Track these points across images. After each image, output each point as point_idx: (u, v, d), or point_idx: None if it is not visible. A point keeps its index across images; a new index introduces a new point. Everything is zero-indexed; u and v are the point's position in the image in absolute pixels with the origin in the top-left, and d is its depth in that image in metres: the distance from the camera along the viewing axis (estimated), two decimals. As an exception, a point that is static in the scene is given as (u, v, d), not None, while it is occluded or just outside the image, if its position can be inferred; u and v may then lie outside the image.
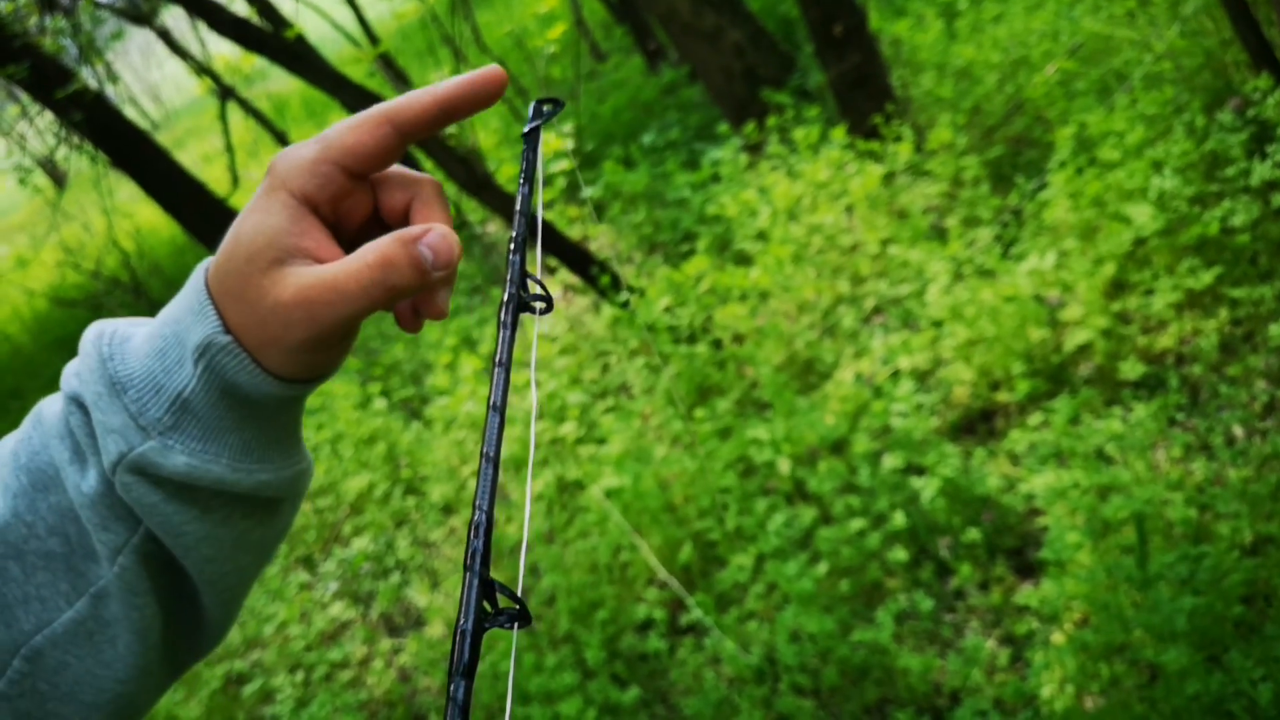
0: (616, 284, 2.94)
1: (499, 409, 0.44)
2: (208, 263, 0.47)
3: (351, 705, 2.18)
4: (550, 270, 3.78)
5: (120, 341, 0.47)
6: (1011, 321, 2.32)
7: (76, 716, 0.48)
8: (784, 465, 2.21)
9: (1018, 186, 2.74)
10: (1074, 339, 2.24)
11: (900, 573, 2.04)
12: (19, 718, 0.46)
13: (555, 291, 3.58)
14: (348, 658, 2.39)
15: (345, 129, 0.46)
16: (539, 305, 0.48)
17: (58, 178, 7.03)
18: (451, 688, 0.40)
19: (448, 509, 2.77)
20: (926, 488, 2.06)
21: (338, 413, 3.09)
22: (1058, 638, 1.79)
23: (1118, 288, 2.39)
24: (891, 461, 2.15)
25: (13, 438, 0.49)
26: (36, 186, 4.90)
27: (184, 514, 0.46)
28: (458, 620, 0.40)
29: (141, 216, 6.76)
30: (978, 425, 2.37)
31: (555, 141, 3.38)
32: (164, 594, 0.49)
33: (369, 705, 2.25)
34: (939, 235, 2.86)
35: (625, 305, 2.87)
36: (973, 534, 1.99)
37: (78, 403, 0.46)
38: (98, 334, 0.48)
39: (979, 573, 1.98)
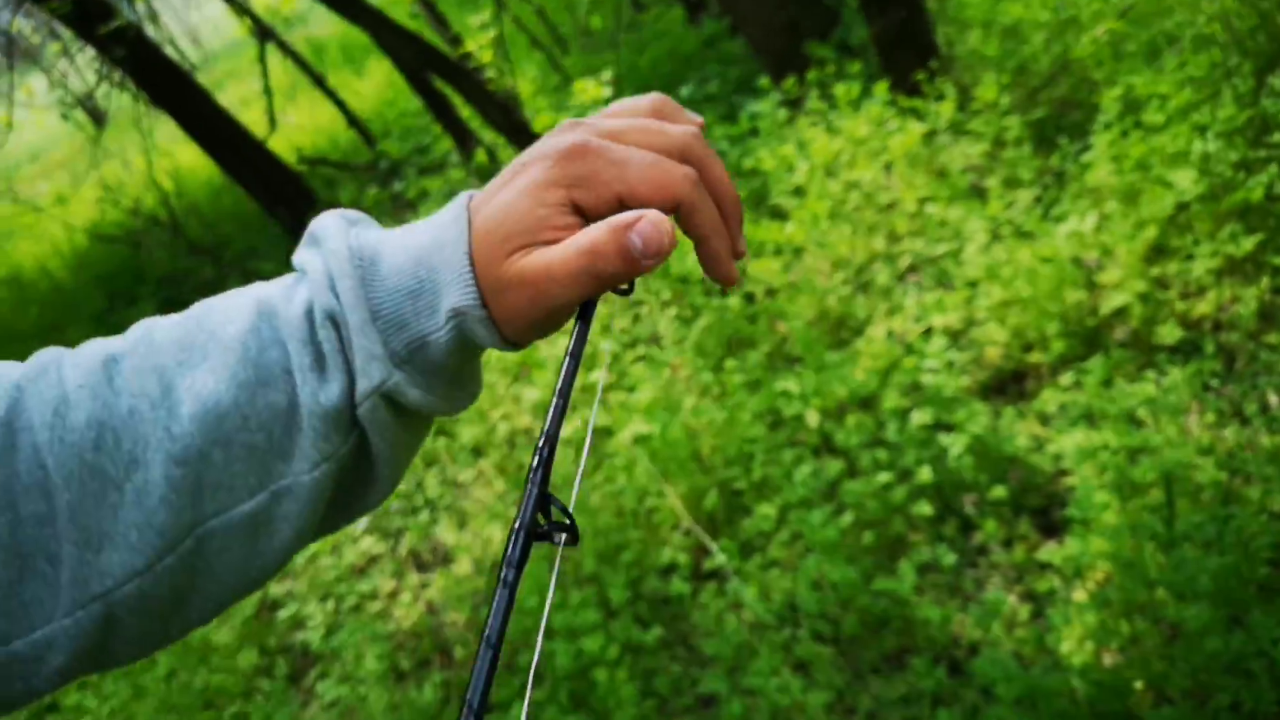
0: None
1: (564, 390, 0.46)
2: (472, 203, 0.50)
3: (380, 635, 2.24)
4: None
5: (371, 263, 0.49)
6: (1048, 283, 2.30)
7: (216, 593, 0.50)
8: (812, 418, 2.23)
9: (1060, 148, 2.71)
10: (1111, 302, 2.23)
11: (924, 527, 2.06)
12: (173, 591, 0.48)
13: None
14: (376, 590, 2.46)
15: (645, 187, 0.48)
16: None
17: (97, 116, 7.09)
18: (504, 573, 0.43)
19: (477, 451, 2.81)
20: (954, 444, 2.07)
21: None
22: (1080, 595, 1.80)
23: (1157, 252, 2.36)
24: (920, 417, 2.16)
25: (226, 320, 0.50)
26: (78, 121, 4.95)
27: (404, 433, 0.51)
28: (514, 521, 0.43)
29: (180, 157, 6.81)
30: (1009, 386, 2.37)
31: (594, 89, 3.37)
32: (344, 491, 0.53)
33: (396, 636, 2.31)
34: (978, 195, 2.84)
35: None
36: (999, 492, 2.00)
37: (333, 320, 0.49)
38: (350, 249, 0.50)
39: (1003, 530, 2.00)
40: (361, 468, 0.52)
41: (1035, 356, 2.31)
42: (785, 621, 1.99)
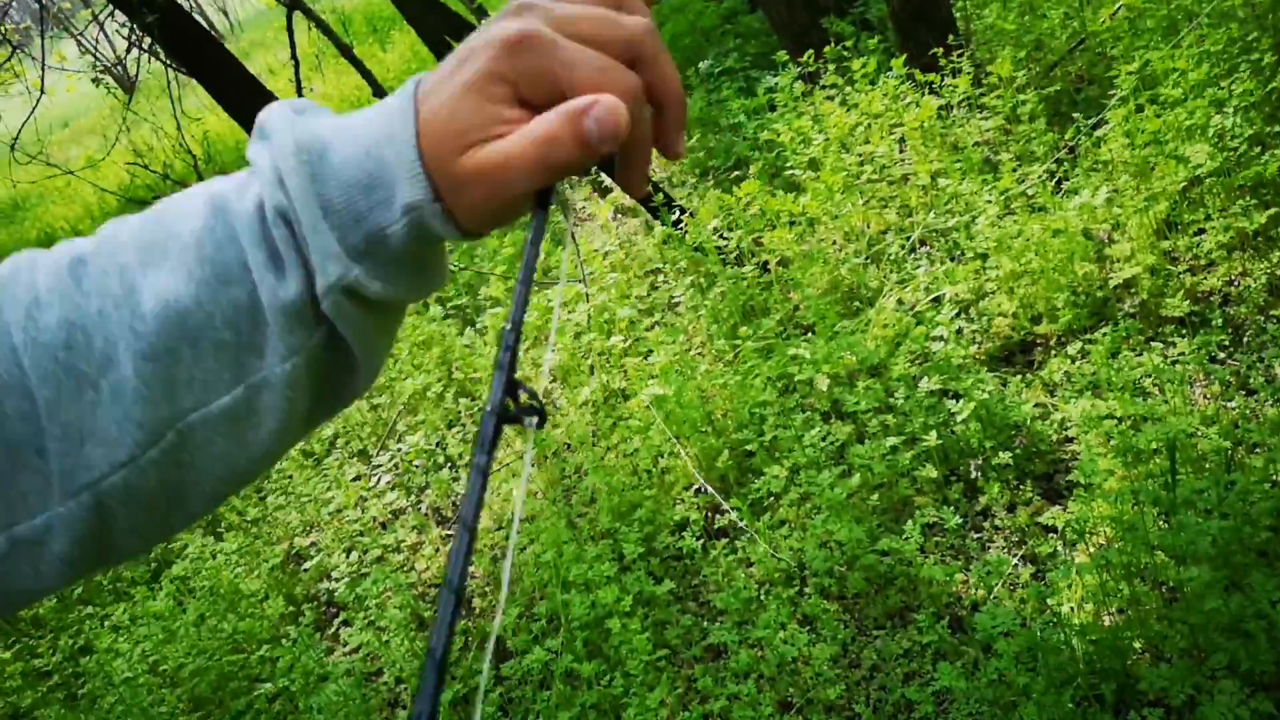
0: (669, 203, 2.99)
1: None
2: (420, 91, 0.49)
3: (402, 585, 2.33)
4: (604, 191, 3.83)
5: (320, 156, 0.49)
6: (1058, 256, 2.34)
7: (209, 485, 0.53)
8: (822, 382, 2.28)
9: (1075, 123, 2.73)
10: (1120, 274, 2.26)
11: (930, 490, 2.12)
12: (162, 483, 0.50)
13: (606, 213, 3.63)
14: (399, 543, 2.54)
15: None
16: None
17: (127, 83, 7.15)
18: (476, 458, 0.44)
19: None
20: (961, 410, 2.12)
21: (394, 318, 3.21)
22: (1081, 558, 1.85)
23: (1169, 226, 2.39)
24: (928, 384, 2.21)
25: (183, 217, 0.51)
26: (109, 86, 5.02)
27: (374, 320, 0.52)
28: (485, 406, 0.44)
29: (209, 123, 6.89)
30: (1016, 357, 2.42)
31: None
32: (322, 382, 0.54)
33: (418, 585, 2.39)
34: (991, 169, 2.87)
35: (677, 224, 2.92)
36: (1003, 457, 2.06)
37: (284, 217, 0.49)
38: (297, 142, 0.49)
39: (1007, 495, 2.05)
40: (338, 356, 0.53)
41: (1043, 327, 2.35)
42: (793, 578, 2.06)
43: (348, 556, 2.54)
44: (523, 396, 0.44)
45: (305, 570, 2.60)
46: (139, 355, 0.48)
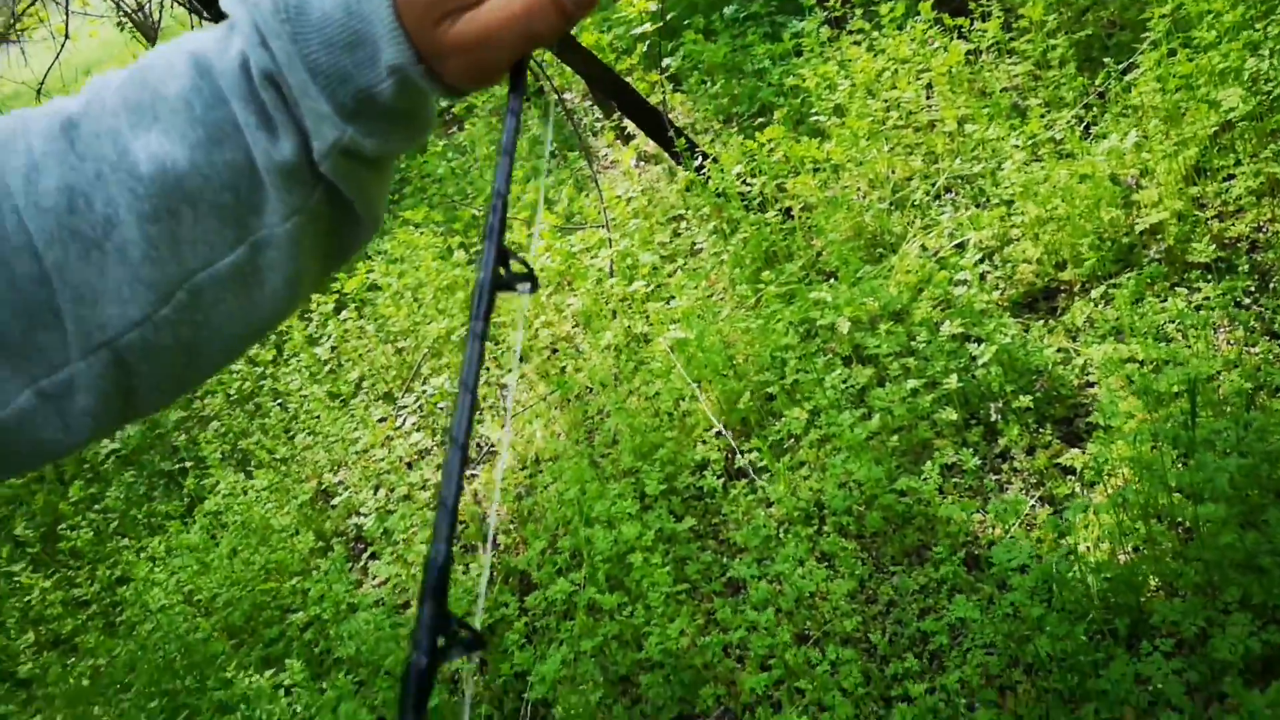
0: (692, 149, 2.98)
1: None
2: None
3: (429, 520, 2.38)
4: (626, 138, 3.82)
5: (299, 12, 0.49)
6: (1084, 201, 2.33)
7: (222, 342, 0.54)
8: (843, 325, 2.30)
9: (1106, 68, 2.70)
10: (1146, 220, 2.25)
11: (949, 434, 2.14)
12: (177, 340, 0.52)
13: (629, 160, 3.63)
14: (425, 481, 2.59)
15: None
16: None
17: (150, 28, 7.14)
18: (474, 326, 0.45)
19: (521, 358, 2.92)
20: (983, 354, 2.13)
21: (420, 263, 3.23)
22: (1099, 499, 1.87)
23: (1198, 172, 2.37)
24: (950, 328, 2.22)
25: (167, 77, 0.51)
26: (134, 31, 5.03)
27: (371, 174, 0.54)
28: (478, 278, 0.45)
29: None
30: (1040, 303, 2.42)
31: (641, 2, 3.38)
32: (327, 237, 0.55)
33: (444, 524, 2.45)
34: (1019, 115, 2.84)
35: (700, 170, 2.92)
36: (1024, 401, 2.07)
37: (271, 79, 0.50)
38: (274, 0, 0.49)
39: (1026, 437, 2.07)
40: (338, 211, 0.54)
41: (1068, 274, 2.35)
42: (811, 518, 2.09)
43: (375, 494, 2.60)
44: (514, 265, 0.45)
45: (334, 507, 2.66)
46: (141, 217, 0.49)
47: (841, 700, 1.63)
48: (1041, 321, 2.31)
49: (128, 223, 0.49)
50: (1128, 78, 2.58)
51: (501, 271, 0.45)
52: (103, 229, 0.49)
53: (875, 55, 3.11)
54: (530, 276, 0.46)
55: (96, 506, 3.06)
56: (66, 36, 4.56)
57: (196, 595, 2.41)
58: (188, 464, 3.18)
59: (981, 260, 2.42)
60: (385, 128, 0.51)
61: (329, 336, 3.41)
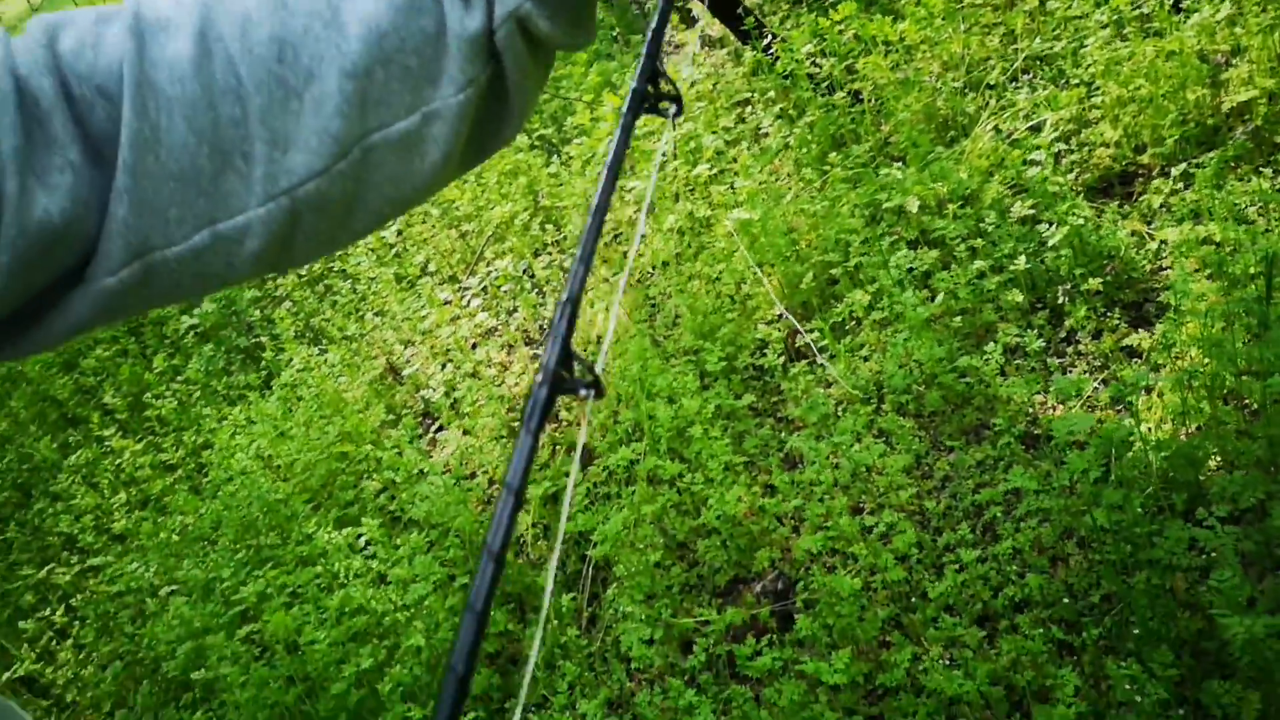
0: (760, 29, 2.91)
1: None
2: None
3: (494, 396, 2.46)
4: (690, 20, 3.74)
5: None
6: (1170, 82, 2.24)
7: (378, 204, 0.58)
8: (912, 204, 2.27)
9: (1203, -61, 2.55)
10: (1234, 99, 2.16)
11: (1014, 317, 2.12)
12: (343, 195, 0.56)
13: (692, 43, 3.55)
14: (490, 359, 2.66)
15: None
16: (669, 106, 0.47)
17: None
18: (526, 424, 0.42)
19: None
20: (1053, 236, 2.10)
21: (483, 145, 3.25)
22: (1164, 382, 1.86)
23: (1294, 51, 2.26)
24: (1020, 209, 2.18)
25: None
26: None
27: (534, 63, 0.58)
28: (535, 376, 0.46)
29: None
30: (1115, 188, 2.35)
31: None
32: (483, 120, 0.60)
33: (508, 400, 2.52)
34: (1106, -9, 2.71)
35: (768, 50, 2.86)
36: (1093, 284, 2.04)
37: None
38: None
39: (1093, 321, 2.05)
40: (497, 99, 0.59)
41: (1146, 157, 2.28)
42: (870, 398, 2.11)
43: (443, 369, 2.68)
44: (577, 369, 0.43)
45: (401, 382, 2.76)
46: (343, 72, 0.53)
47: (894, 564, 1.67)
48: (1117, 204, 2.25)
49: (328, 76, 0.53)
50: (1225, -51, 2.44)
51: (564, 375, 0.42)
52: (304, 80, 0.53)
53: (955, -71, 2.98)
54: (595, 383, 0.43)
55: (179, 378, 3.20)
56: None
57: (275, 461, 2.53)
58: (263, 340, 3.30)
59: (1057, 140, 2.35)
60: (557, 11, 0.56)
61: (395, 221, 3.47)
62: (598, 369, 0.42)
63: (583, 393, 0.42)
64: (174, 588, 2.31)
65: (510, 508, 0.38)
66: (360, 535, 2.06)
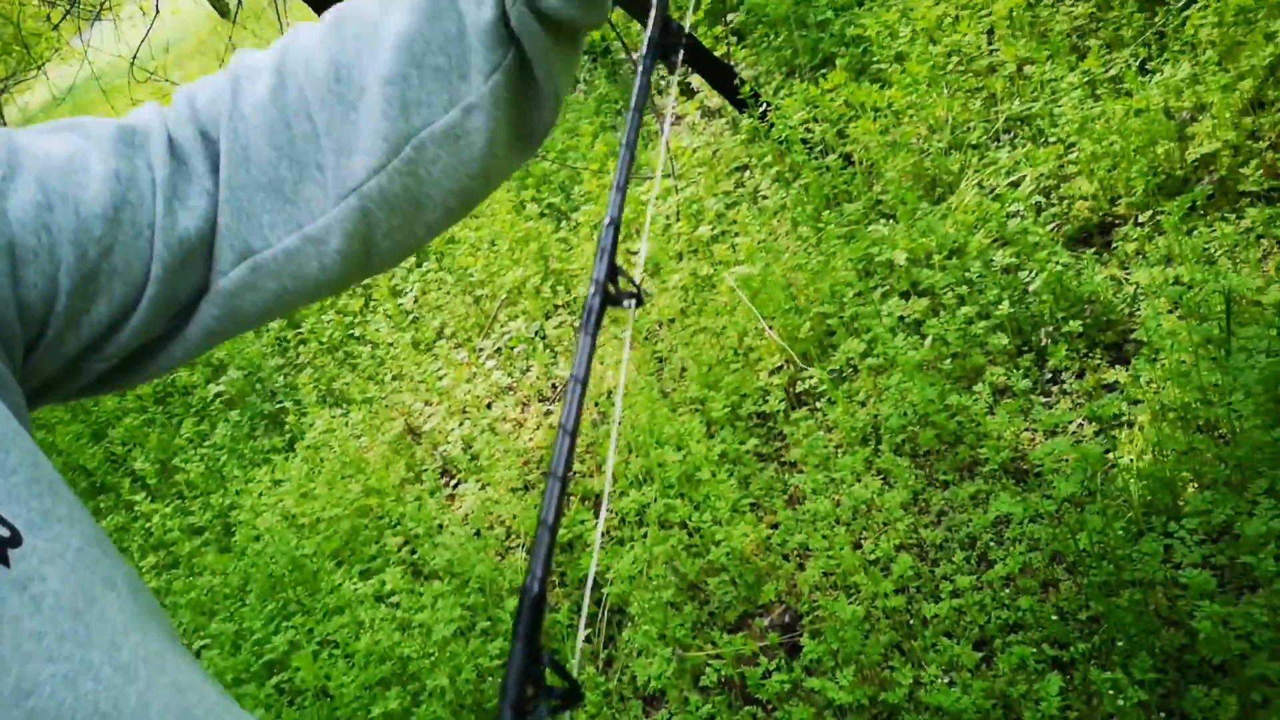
0: (756, 98, 3.09)
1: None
2: None
3: (510, 450, 2.57)
4: (690, 92, 3.94)
5: None
6: (1140, 137, 2.39)
7: (441, 196, 0.65)
8: (900, 258, 2.40)
9: (1167, 4, 2.73)
10: (1199, 150, 2.31)
11: (1001, 359, 2.24)
12: (405, 189, 0.63)
13: (693, 114, 3.74)
14: (505, 415, 2.78)
15: None
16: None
17: (223, 7, 7.42)
18: (584, 326, 0.46)
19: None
20: (1035, 280, 2.22)
21: (496, 215, 3.41)
22: (1143, 417, 1.97)
23: (1254, 106, 2.41)
24: (1003, 258, 2.31)
25: None
26: (214, 3, 5.28)
27: (552, 41, 0.63)
28: (590, 286, 0.48)
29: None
30: (1095, 237, 2.49)
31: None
32: (517, 105, 0.65)
33: (524, 453, 2.64)
34: (1078, 55, 2.89)
35: (763, 117, 3.03)
36: (1074, 325, 2.16)
37: None
38: None
39: (1076, 362, 2.16)
40: (526, 82, 0.64)
41: (1121, 207, 2.41)
42: (868, 439, 2.22)
43: (460, 426, 2.80)
44: (622, 281, 0.48)
45: (419, 441, 2.87)
46: (381, 80, 0.61)
47: (894, 595, 1.76)
48: (1094, 252, 2.39)
49: (372, 87, 0.61)
50: (1185, 13, 2.61)
51: (611, 288, 0.47)
52: (357, 94, 0.62)
53: (937, 1, 3.17)
54: (637, 294, 0.48)
55: (206, 443, 3.33)
56: (158, 11, 4.82)
57: (300, 519, 2.64)
58: (287, 404, 3.43)
59: (1036, 194, 2.49)
60: None
61: (412, 288, 3.62)
62: (638, 281, 0.48)
63: (626, 303, 0.47)
64: (206, 642, 2.40)
65: (578, 395, 0.42)
66: (384, 583, 2.16)
